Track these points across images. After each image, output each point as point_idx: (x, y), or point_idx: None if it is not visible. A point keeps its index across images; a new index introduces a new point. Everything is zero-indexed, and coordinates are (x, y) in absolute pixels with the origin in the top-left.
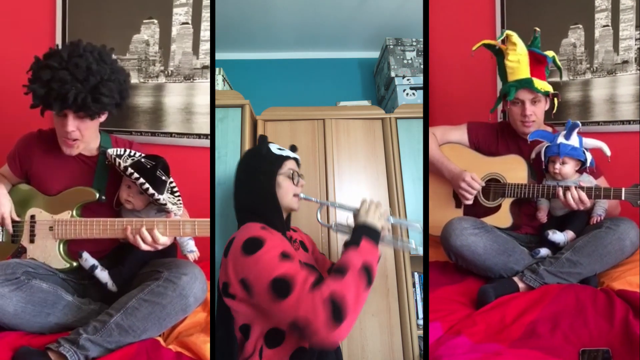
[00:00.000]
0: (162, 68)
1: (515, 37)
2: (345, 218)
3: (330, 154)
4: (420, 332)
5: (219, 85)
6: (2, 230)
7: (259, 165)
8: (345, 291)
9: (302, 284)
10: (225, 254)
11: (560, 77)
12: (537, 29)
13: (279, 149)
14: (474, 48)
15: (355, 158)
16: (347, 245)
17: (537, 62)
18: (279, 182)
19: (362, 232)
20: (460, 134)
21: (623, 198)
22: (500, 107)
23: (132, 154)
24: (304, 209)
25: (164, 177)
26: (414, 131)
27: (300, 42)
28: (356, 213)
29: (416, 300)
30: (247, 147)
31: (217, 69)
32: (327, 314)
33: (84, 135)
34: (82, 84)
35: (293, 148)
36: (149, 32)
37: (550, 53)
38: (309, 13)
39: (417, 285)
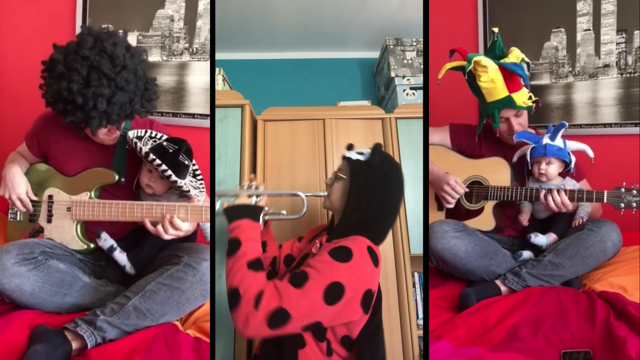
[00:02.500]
0: (187, 45)
1: (483, 60)
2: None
3: (330, 154)
4: (420, 332)
5: (219, 85)
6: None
7: (399, 181)
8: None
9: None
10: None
11: (528, 68)
12: (495, 30)
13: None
14: (439, 75)
15: None
16: None
17: (509, 74)
18: None
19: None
20: (442, 136)
21: (605, 201)
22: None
23: (153, 135)
24: None
25: (186, 162)
26: (414, 131)
27: (300, 42)
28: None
29: (416, 300)
30: (247, 147)
31: (217, 69)
32: None
33: (122, 124)
34: (135, 94)
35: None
36: (174, 7)
37: (515, 57)
38: (309, 13)
39: (417, 285)
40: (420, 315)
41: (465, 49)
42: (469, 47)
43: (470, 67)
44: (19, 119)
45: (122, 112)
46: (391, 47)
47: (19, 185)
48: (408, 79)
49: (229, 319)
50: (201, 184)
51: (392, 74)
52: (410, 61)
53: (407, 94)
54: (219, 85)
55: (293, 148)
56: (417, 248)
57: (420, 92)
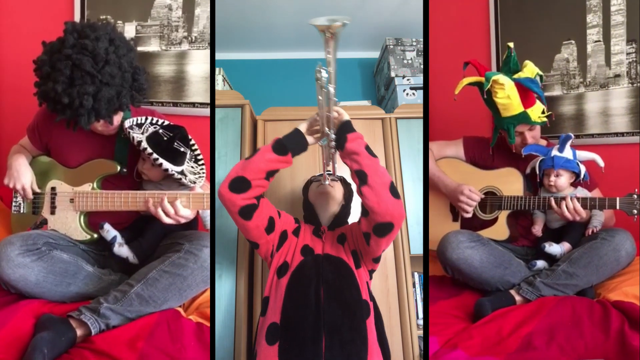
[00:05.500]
0: (186, 34)
1: (501, 78)
2: None
3: None
4: (420, 332)
5: (219, 85)
6: (24, 202)
7: None
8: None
9: None
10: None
11: (541, 80)
12: (511, 44)
13: None
14: (456, 91)
15: None
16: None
17: (525, 90)
18: None
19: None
20: (456, 148)
21: (618, 207)
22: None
23: (154, 121)
24: None
25: (182, 149)
26: (414, 131)
27: (300, 42)
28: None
29: (416, 300)
30: (247, 147)
31: (217, 69)
32: None
33: (120, 115)
34: (122, 87)
35: None
36: None
37: (530, 72)
38: (309, 13)
39: (417, 285)
40: (420, 315)
41: (474, 56)
42: (477, 54)
43: (488, 86)
44: (20, 111)
45: (111, 106)
46: (391, 47)
47: (25, 176)
48: (408, 79)
49: (230, 305)
50: (202, 169)
51: (392, 74)
52: (410, 61)
53: (407, 94)
54: (219, 85)
55: None
56: (417, 248)
57: (420, 92)
